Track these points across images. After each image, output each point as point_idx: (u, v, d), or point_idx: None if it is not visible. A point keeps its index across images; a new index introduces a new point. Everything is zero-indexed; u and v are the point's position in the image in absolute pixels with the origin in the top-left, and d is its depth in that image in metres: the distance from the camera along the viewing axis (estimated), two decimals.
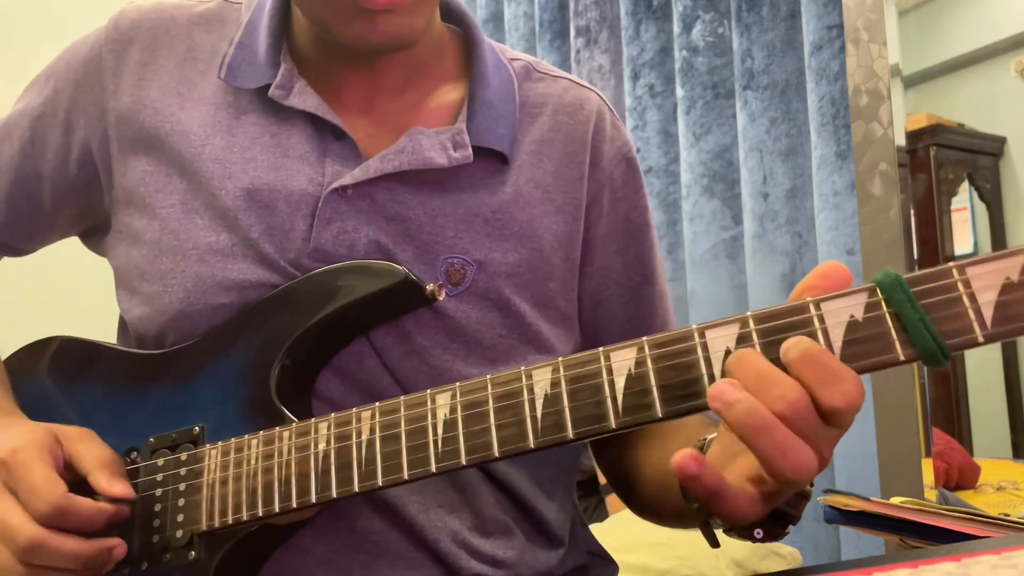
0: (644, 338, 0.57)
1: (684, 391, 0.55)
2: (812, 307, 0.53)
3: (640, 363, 0.56)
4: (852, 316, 0.52)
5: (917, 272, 0.52)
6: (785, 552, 1.45)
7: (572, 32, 2.09)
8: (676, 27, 1.88)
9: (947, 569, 0.42)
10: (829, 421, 0.51)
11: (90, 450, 0.68)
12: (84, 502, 0.65)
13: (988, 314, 0.50)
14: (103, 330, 0.85)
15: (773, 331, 0.53)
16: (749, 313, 0.54)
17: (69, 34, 0.85)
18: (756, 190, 1.73)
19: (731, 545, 1.40)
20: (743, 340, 0.54)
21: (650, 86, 1.95)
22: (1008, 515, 1.02)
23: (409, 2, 0.68)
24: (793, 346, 0.51)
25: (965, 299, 0.50)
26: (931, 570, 0.42)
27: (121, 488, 0.67)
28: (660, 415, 0.55)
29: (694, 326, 0.55)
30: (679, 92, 1.86)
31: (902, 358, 0.51)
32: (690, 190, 1.83)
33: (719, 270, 1.80)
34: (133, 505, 0.69)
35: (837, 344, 0.52)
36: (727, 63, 1.83)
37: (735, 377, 0.51)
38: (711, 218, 1.82)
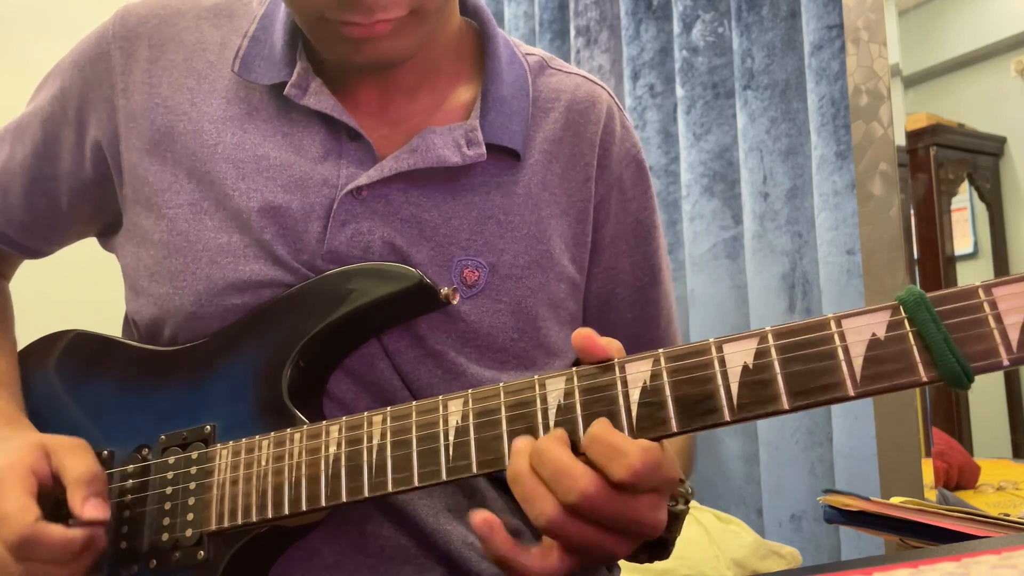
0: (660, 350, 0.56)
1: (700, 407, 0.54)
2: (833, 324, 0.52)
3: (655, 376, 0.55)
4: (874, 334, 0.51)
5: (941, 291, 0.51)
6: (785, 552, 1.45)
7: (572, 32, 2.09)
8: (676, 27, 1.87)
9: (947, 569, 0.42)
10: (627, 491, 0.53)
11: (74, 464, 0.67)
12: (53, 532, 0.64)
13: (1014, 336, 0.49)
14: (115, 326, 0.85)
15: (792, 347, 0.53)
16: (768, 328, 0.54)
17: (69, 33, 0.85)
18: (756, 190, 1.73)
19: (731, 545, 1.40)
20: (761, 355, 0.53)
21: (650, 86, 1.95)
22: (1008, 515, 1.02)
23: (390, 30, 0.67)
24: (588, 431, 0.55)
25: (991, 320, 0.49)
26: (931, 570, 0.42)
27: (94, 510, 0.65)
28: (675, 429, 0.54)
29: (711, 340, 0.55)
30: (679, 92, 1.86)
31: (924, 379, 0.50)
32: (690, 190, 1.83)
33: (719, 270, 1.80)
34: (145, 502, 0.70)
35: (858, 362, 0.51)
36: (727, 63, 1.83)
37: (536, 469, 0.54)
38: (711, 218, 1.81)
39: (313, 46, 0.77)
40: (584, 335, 0.58)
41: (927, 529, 0.77)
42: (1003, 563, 0.42)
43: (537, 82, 0.82)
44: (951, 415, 1.91)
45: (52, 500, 0.67)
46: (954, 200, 2.16)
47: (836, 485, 1.55)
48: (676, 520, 0.62)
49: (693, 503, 1.68)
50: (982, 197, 2.22)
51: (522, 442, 0.56)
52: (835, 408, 1.58)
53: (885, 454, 1.39)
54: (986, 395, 2.09)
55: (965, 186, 2.20)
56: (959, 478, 1.42)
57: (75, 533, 0.64)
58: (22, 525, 0.63)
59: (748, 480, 1.75)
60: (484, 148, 0.75)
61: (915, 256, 1.48)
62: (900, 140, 1.43)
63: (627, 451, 0.53)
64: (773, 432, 1.67)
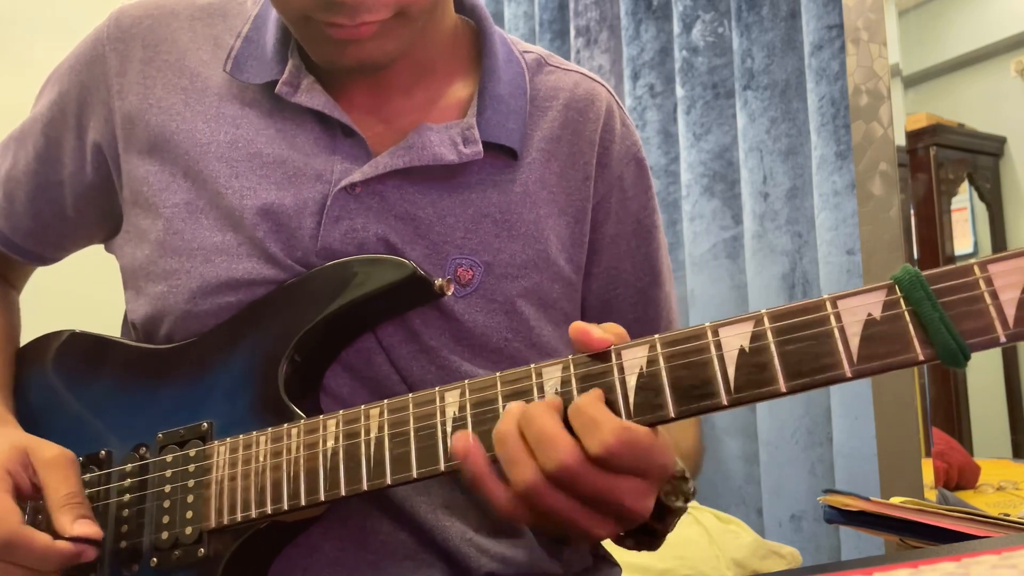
0: (656, 336, 0.56)
1: (697, 391, 0.54)
2: (829, 305, 0.52)
3: (652, 361, 0.55)
4: (870, 314, 0.51)
5: (937, 269, 0.51)
6: (785, 552, 1.45)
7: (572, 32, 2.09)
8: (676, 27, 1.87)
9: (947, 569, 0.42)
10: (605, 468, 0.53)
11: (58, 485, 0.67)
12: (37, 539, 0.63)
13: (1010, 312, 0.48)
14: (113, 326, 0.85)
15: (788, 329, 0.53)
16: (764, 311, 0.54)
17: (68, 32, 0.85)
18: (756, 190, 1.73)
19: (731, 545, 1.40)
20: (757, 338, 0.53)
21: (650, 86, 1.95)
22: (1008, 515, 1.02)
23: (374, 32, 0.67)
24: (575, 400, 0.55)
25: (986, 297, 0.49)
26: (931, 570, 0.42)
27: (84, 528, 0.65)
28: (672, 415, 0.54)
29: (707, 324, 0.55)
30: (679, 92, 1.86)
31: (921, 358, 0.50)
32: (690, 190, 1.83)
33: (719, 270, 1.80)
34: (144, 501, 0.70)
35: (854, 342, 0.51)
36: (727, 63, 1.83)
37: (524, 433, 0.54)
38: (711, 218, 1.81)
39: None
40: (580, 329, 0.57)
41: (927, 529, 0.77)
42: (1003, 563, 0.42)
43: (535, 80, 0.82)
44: (951, 415, 1.91)
45: (25, 506, 0.67)
46: (954, 200, 2.16)
47: (836, 485, 1.55)
48: (670, 514, 0.61)
49: (693, 503, 1.67)
50: (982, 197, 2.22)
51: (514, 405, 0.57)
52: (835, 408, 1.58)
53: (885, 454, 1.39)
54: (986, 395, 2.09)
55: (965, 186, 2.20)
56: (959, 478, 1.42)
57: (63, 546, 0.64)
58: (7, 528, 0.63)
59: (748, 480, 1.75)
60: (481, 146, 0.75)
61: (915, 256, 1.48)
62: (900, 140, 1.43)
63: (603, 425, 0.53)
64: (773, 432, 1.67)
